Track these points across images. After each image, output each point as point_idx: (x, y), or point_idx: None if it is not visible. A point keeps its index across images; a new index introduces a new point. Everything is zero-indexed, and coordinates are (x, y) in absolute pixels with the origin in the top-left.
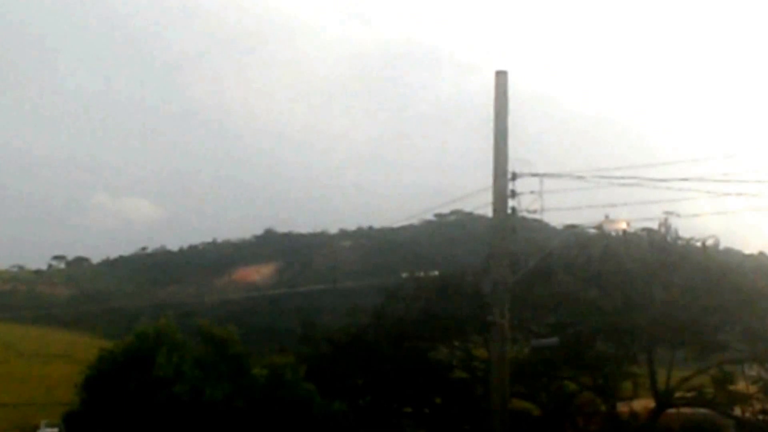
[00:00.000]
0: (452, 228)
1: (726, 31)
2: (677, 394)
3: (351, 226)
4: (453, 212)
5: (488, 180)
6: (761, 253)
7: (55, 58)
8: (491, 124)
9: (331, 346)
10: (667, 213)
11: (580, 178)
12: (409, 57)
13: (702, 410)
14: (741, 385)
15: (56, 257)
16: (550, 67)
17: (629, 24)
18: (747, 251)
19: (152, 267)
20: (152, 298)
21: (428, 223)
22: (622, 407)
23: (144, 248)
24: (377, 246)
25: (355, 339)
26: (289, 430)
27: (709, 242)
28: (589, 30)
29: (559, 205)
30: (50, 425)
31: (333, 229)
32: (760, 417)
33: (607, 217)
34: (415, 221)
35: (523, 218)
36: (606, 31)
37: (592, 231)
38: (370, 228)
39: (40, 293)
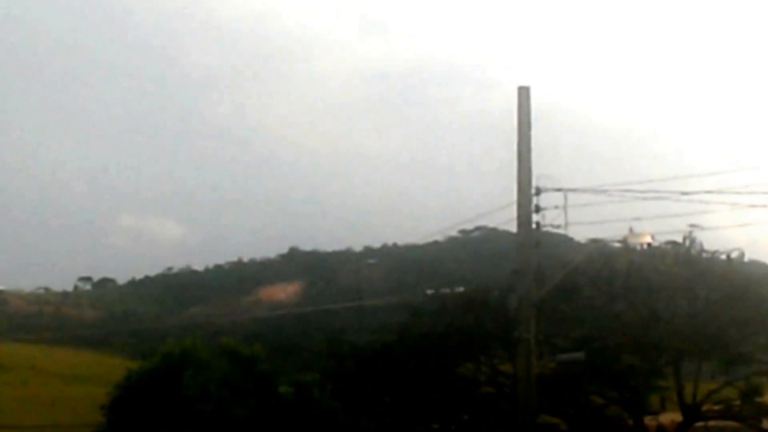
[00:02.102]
0: (477, 244)
1: (751, 44)
2: (704, 407)
3: (375, 243)
4: (477, 228)
5: (512, 195)
6: None
7: (80, 79)
8: (514, 140)
9: (357, 364)
10: (692, 226)
11: (603, 192)
12: (432, 73)
13: (730, 423)
14: None
15: (82, 278)
16: (573, 80)
17: (652, 37)
18: None
19: (178, 287)
20: (178, 318)
21: (453, 240)
22: (650, 421)
23: (169, 268)
24: (402, 263)
25: (381, 356)
26: None
27: (734, 255)
28: (612, 43)
29: (583, 219)
30: None
31: (357, 247)
32: None
33: (631, 230)
34: (439, 238)
35: (548, 233)
36: (629, 44)
37: (617, 245)
38: (395, 245)
39: (66, 315)
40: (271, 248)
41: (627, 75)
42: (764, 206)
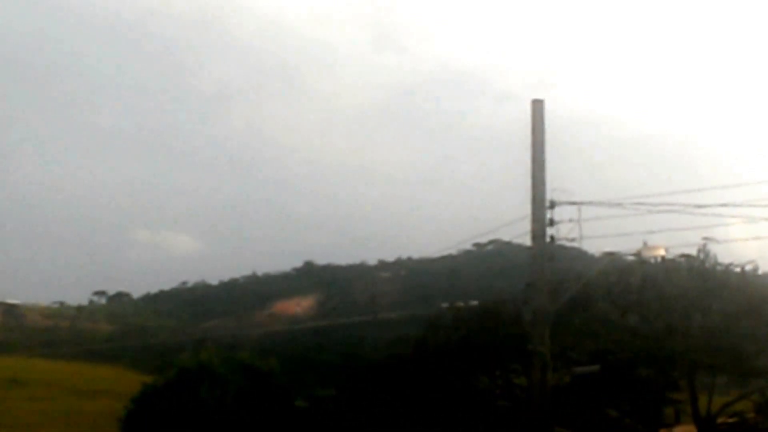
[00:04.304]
0: (491, 257)
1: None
2: (719, 420)
3: (390, 257)
4: (491, 242)
5: (526, 209)
6: None
7: (92, 93)
8: (528, 153)
9: (371, 377)
10: (706, 239)
11: (618, 205)
12: (446, 85)
13: None
14: None
15: (97, 293)
16: (587, 92)
17: (666, 46)
18: None
19: (193, 301)
20: (193, 333)
21: (467, 253)
22: None
23: (184, 283)
24: (416, 277)
25: (396, 369)
26: None
27: (748, 268)
28: (628, 54)
29: (597, 232)
30: None
31: (372, 261)
32: None
33: (645, 244)
34: (453, 251)
35: (562, 246)
36: (646, 54)
37: (631, 258)
38: (409, 259)
39: (81, 329)
40: (285, 262)
41: (642, 88)
42: None
